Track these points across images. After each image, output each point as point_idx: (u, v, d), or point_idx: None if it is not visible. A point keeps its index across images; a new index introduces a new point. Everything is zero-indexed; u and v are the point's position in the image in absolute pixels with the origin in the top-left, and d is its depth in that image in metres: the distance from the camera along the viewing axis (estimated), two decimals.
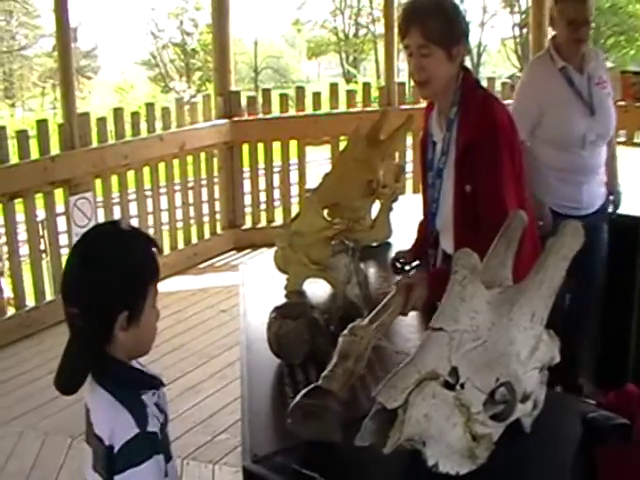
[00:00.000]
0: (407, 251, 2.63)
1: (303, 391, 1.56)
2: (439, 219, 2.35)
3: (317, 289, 2.41)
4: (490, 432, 1.42)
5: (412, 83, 2.37)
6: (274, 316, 1.96)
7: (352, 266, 2.20)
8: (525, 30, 27.95)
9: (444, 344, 1.39)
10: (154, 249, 1.46)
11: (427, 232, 2.45)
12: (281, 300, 2.23)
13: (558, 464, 1.50)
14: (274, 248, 2.55)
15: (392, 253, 2.72)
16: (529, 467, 1.51)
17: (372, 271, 2.63)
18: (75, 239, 4.70)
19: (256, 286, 2.62)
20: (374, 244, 2.90)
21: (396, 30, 2.26)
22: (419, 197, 2.60)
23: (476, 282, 1.43)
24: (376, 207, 2.98)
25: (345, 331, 1.68)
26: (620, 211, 3.32)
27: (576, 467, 1.52)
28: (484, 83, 6.36)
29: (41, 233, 4.99)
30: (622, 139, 6.01)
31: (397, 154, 5.37)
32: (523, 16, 29.08)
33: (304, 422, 1.53)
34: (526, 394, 1.48)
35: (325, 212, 2.66)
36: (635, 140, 5.95)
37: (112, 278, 1.36)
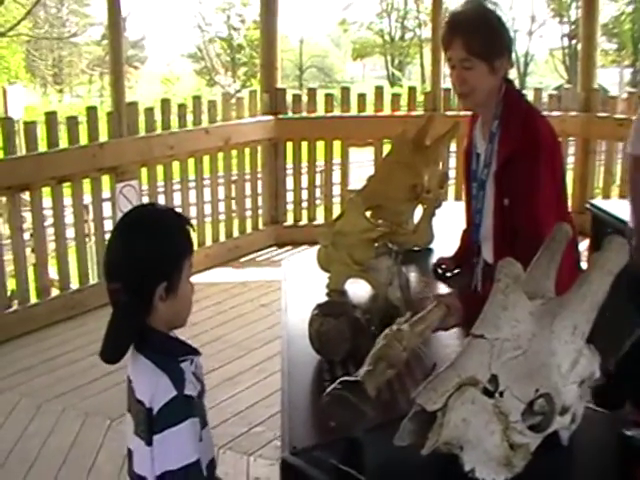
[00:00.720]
0: (449, 258, 2.65)
1: (338, 380, 1.60)
2: (482, 229, 2.36)
3: (358, 289, 2.44)
4: (528, 442, 1.44)
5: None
6: (316, 313, 1.99)
7: (394, 269, 2.23)
8: (574, 41, 27.63)
9: (485, 351, 1.42)
10: (188, 227, 1.58)
11: (470, 242, 2.47)
12: (322, 298, 2.27)
13: (595, 479, 1.51)
14: (316, 246, 2.58)
15: (434, 259, 2.74)
16: None
17: (413, 275, 2.65)
18: None
19: (298, 283, 2.66)
20: (416, 249, 2.92)
21: (445, 52, 2.26)
22: (461, 204, 2.62)
23: (518, 291, 1.45)
24: (419, 212, 3.00)
25: (386, 330, 1.71)
26: None
27: None
28: (530, 94, 6.35)
29: (86, 218, 5.10)
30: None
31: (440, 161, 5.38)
32: (573, 27, 28.74)
33: (334, 411, 1.57)
34: (565, 407, 1.49)
35: (368, 214, 2.69)
36: None
37: (151, 252, 1.48)
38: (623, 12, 29.21)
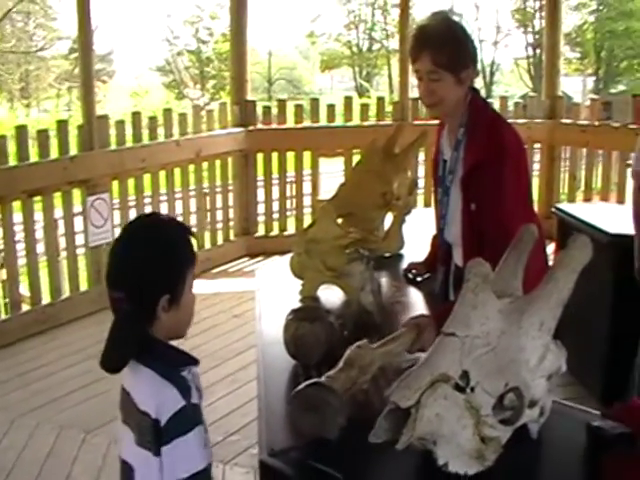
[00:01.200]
0: (420, 263, 2.71)
1: (306, 382, 1.64)
2: (448, 234, 2.43)
3: (332, 296, 2.47)
4: (498, 435, 1.49)
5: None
6: (291, 318, 2.03)
7: (367, 274, 2.28)
8: (539, 50, 28.08)
9: (456, 348, 1.46)
10: (190, 237, 1.58)
11: (438, 246, 2.53)
12: (296, 305, 2.30)
13: (563, 470, 1.56)
14: (288, 255, 2.62)
15: (404, 264, 2.79)
16: (536, 472, 1.58)
17: (385, 281, 2.70)
18: (92, 238, 4.85)
19: (271, 290, 2.70)
20: (387, 255, 2.97)
21: (412, 64, 2.32)
22: (431, 211, 2.68)
23: (487, 290, 1.50)
24: (389, 219, 3.05)
25: (353, 346, 1.76)
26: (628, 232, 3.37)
27: (581, 474, 1.58)
28: (496, 102, 6.47)
29: (58, 234, 5.08)
30: (631, 162, 6.08)
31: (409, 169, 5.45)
32: (537, 36, 29.21)
33: (304, 413, 1.61)
34: (534, 400, 1.54)
35: (340, 221, 2.73)
36: None
37: (155, 263, 1.48)
38: (586, 21, 29.77)
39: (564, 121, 6.40)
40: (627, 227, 3.40)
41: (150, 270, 1.47)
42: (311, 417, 1.60)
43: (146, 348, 1.51)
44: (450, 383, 1.45)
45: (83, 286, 5.02)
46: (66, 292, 4.92)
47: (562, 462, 1.57)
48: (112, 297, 1.50)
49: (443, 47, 2.19)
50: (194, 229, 5.63)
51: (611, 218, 3.67)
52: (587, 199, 6.29)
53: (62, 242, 5.07)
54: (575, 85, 28.05)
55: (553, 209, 4.09)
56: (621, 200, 5.83)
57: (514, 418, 1.51)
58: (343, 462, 1.55)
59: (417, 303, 2.54)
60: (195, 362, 1.59)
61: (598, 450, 1.55)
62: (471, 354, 1.47)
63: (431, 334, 1.95)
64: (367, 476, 1.53)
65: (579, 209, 3.98)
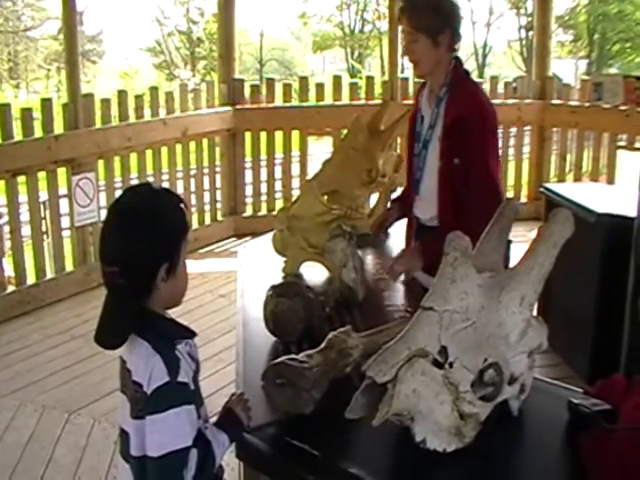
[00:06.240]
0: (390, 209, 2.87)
1: (281, 358, 1.62)
2: (422, 186, 2.56)
3: (314, 273, 2.45)
4: (477, 412, 1.47)
5: (414, 78, 2.54)
6: (270, 294, 2.00)
7: (349, 250, 2.25)
8: (531, 33, 27.96)
9: (434, 323, 1.44)
10: (182, 204, 1.55)
11: (409, 198, 2.68)
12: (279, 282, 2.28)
13: (545, 447, 1.54)
14: (271, 232, 2.59)
15: (389, 242, 2.77)
16: (517, 450, 1.56)
17: (368, 258, 2.68)
18: (77, 218, 4.79)
19: (254, 268, 2.67)
20: (371, 232, 2.94)
21: (400, 27, 2.58)
22: None
23: (467, 264, 1.47)
24: (375, 197, 3.02)
25: (336, 331, 1.74)
26: (616, 211, 3.35)
27: (562, 451, 1.56)
28: (487, 82, 6.43)
29: (43, 214, 5.02)
30: (623, 143, 6.07)
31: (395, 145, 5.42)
32: (529, 19, 29.07)
33: (277, 388, 1.60)
34: (514, 377, 1.52)
35: (324, 199, 2.70)
36: (637, 145, 5.99)
37: (152, 234, 1.46)
38: (578, 4, 29.63)
39: (554, 102, 6.37)
40: (615, 207, 3.38)
41: (147, 243, 1.45)
42: (284, 392, 1.58)
43: (142, 320, 1.49)
44: (428, 358, 1.43)
45: (68, 267, 4.97)
46: (51, 273, 4.87)
47: (542, 439, 1.55)
48: (107, 272, 1.46)
49: (419, 11, 2.42)
50: None
51: (599, 198, 3.65)
52: (577, 180, 6.28)
53: (47, 222, 5.01)
54: (568, 68, 27.97)
55: (541, 189, 4.06)
56: (611, 181, 5.82)
57: (494, 394, 1.49)
58: (320, 438, 1.53)
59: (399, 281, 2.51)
60: (192, 334, 1.57)
61: (578, 427, 1.53)
62: (450, 329, 1.44)
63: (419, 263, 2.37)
64: (344, 453, 1.50)
65: (567, 189, 3.95)
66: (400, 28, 2.60)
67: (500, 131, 6.52)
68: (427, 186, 2.53)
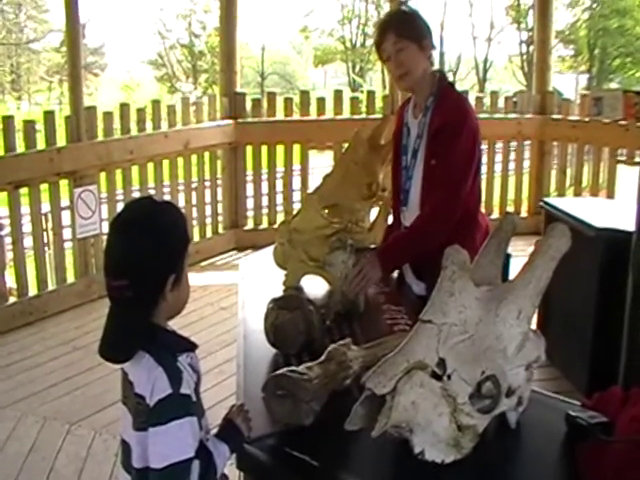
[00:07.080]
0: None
1: (282, 370, 1.64)
2: (411, 196, 2.60)
3: (315, 286, 2.47)
4: (475, 423, 1.48)
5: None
6: (271, 307, 2.02)
7: (349, 263, 2.27)
8: (532, 47, 28.08)
9: (433, 336, 1.46)
10: (183, 215, 1.58)
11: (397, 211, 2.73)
12: (279, 295, 2.29)
13: (542, 459, 1.55)
14: (273, 245, 2.61)
15: None
16: (514, 461, 1.57)
17: None
18: (79, 230, 4.81)
19: (255, 281, 2.69)
20: (372, 246, 2.95)
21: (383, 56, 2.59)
22: None
23: (465, 278, 1.49)
24: (375, 210, 3.03)
25: (336, 344, 1.76)
26: (615, 226, 3.37)
27: (559, 462, 1.57)
28: (488, 97, 6.48)
29: (44, 226, 5.05)
30: (623, 158, 6.10)
31: None
32: (530, 33, 29.20)
33: (277, 399, 1.61)
34: (511, 389, 1.53)
35: (325, 212, 2.72)
36: (637, 159, 6.02)
37: (159, 245, 1.47)
38: (579, 19, 29.80)
39: (554, 116, 6.41)
40: (614, 221, 3.40)
41: (156, 253, 1.46)
42: (284, 403, 1.60)
43: (147, 333, 1.50)
44: (426, 371, 1.44)
45: (70, 278, 4.99)
46: (52, 284, 4.89)
47: (539, 451, 1.57)
48: (114, 286, 1.46)
49: (403, 22, 2.56)
50: None
51: (598, 212, 3.67)
52: (577, 195, 6.30)
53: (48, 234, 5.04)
54: (568, 82, 28.06)
55: (541, 203, 4.08)
56: (611, 195, 5.84)
57: (491, 406, 1.51)
58: (320, 449, 1.55)
59: (400, 293, 2.53)
60: (193, 346, 1.59)
61: (575, 439, 1.55)
62: (448, 342, 1.46)
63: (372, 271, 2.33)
64: (343, 463, 1.52)
65: (567, 203, 3.97)
66: (379, 55, 2.61)
67: (500, 145, 6.60)
68: (415, 197, 2.58)
